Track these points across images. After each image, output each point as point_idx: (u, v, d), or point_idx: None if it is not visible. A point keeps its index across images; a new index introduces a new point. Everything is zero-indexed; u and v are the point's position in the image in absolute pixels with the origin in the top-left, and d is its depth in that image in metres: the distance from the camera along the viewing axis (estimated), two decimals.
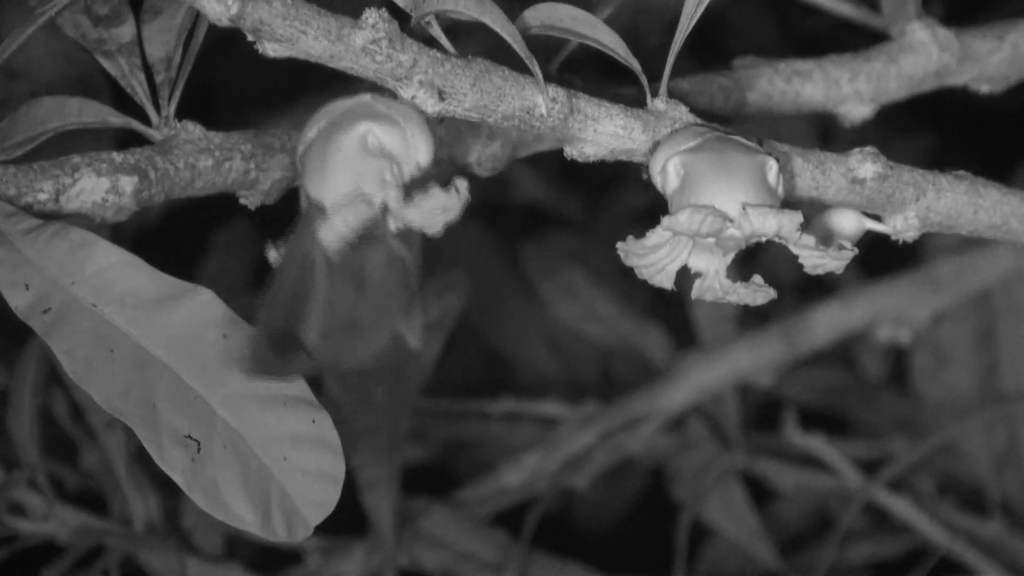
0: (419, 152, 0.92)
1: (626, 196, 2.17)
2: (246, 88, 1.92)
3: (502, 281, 2.10)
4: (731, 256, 0.95)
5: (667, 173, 0.95)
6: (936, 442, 1.90)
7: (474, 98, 0.94)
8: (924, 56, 1.26)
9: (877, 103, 1.27)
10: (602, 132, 0.98)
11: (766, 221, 0.92)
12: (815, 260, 0.95)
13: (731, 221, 0.92)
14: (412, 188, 0.91)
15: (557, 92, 0.96)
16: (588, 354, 2.10)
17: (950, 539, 1.86)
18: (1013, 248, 1.88)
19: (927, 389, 1.96)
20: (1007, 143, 1.89)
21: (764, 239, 0.93)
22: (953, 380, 1.95)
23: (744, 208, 0.92)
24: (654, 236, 0.93)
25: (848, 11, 1.37)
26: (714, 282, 0.95)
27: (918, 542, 1.89)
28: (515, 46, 0.94)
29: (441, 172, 1.60)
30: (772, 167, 0.94)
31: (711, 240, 0.94)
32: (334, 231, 0.90)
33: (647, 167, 0.97)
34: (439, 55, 0.94)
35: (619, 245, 0.94)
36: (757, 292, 0.95)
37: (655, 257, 0.95)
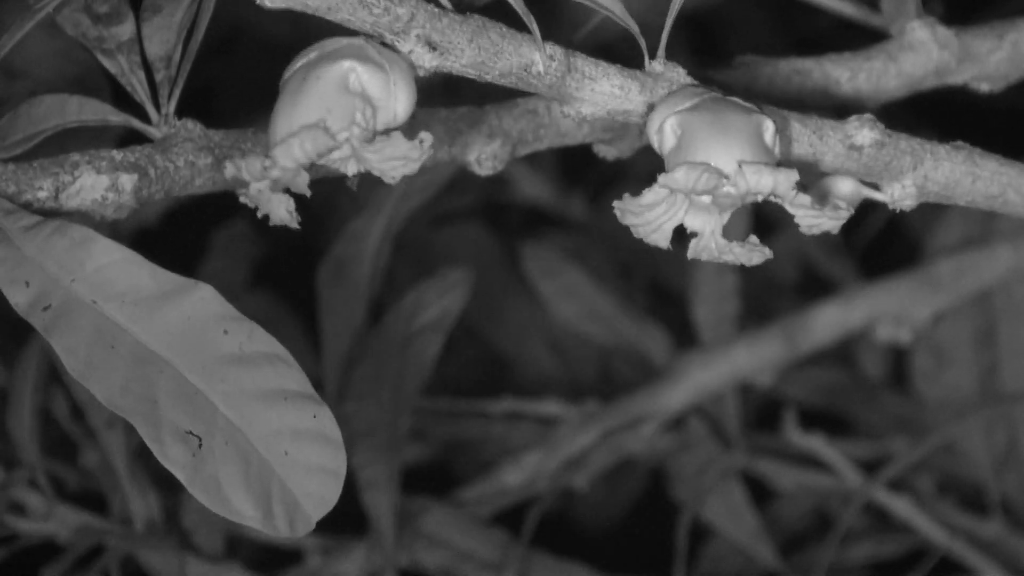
0: (398, 102, 0.93)
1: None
2: (246, 87, 1.92)
3: (502, 281, 2.11)
4: (727, 215, 0.95)
5: (664, 133, 0.95)
6: (936, 442, 1.90)
7: (471, 54, 0.94)
8: (924, 55, 1.26)
9: (877, 101, 1.27)
10: (599, 92, 0.97)
11: (762, 179, 0.92)
12: (811, 220, 0.95)
13: (727, 178, 0.92)
14: (379, 135, 0.92)
15: (554, 50, 0.96)
16: (588, 354, 2.10)
17: (950, 539, 1.86)
18: (1013, 248, 1.88)
19: (927, 389, 1.96)
20: (1007, 142, 1.89)
21: (760, 197, 0.93)
22: (953, 380, 1.95)
23: (740, 166, 0.92)
24: (650, 194, 0.93)
25: (848, 10, 1.37)
26: (710, 241, 0.95)
27: (918, 542, 1.90)
28: (513, 2, 0.94)
29: (442, 171, 1.60)
30: (769, 127, 0.94)
31: (707, 199, 0.94)
32: (289, 154, 0.91)
33: (644, 128, 0.97)
34: (437, 10, 0.94)
35: (615, 203, 0.94)
36: (753, 251, 0.95)
37: (651, 215, 0.95)
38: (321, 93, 0.93)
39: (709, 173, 0.91)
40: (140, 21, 1.06)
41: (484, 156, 1.15)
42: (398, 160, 0.92)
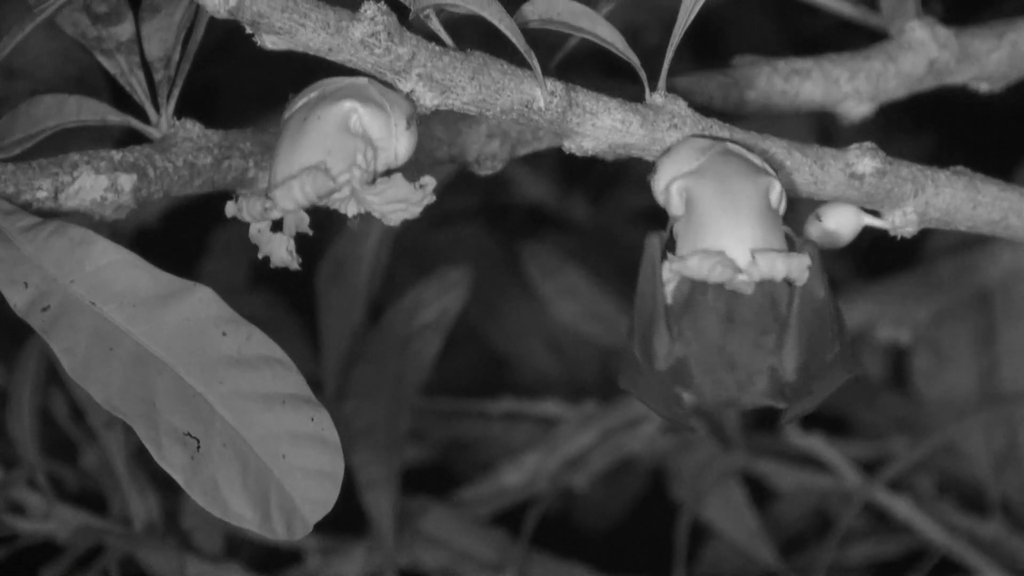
0: (399, 144, 0.93)
1: (626, 196, 2.17)
2: (246, 88, 1.92)
3: (502, 281, 2.10)
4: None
5: (670, 195, 0.96)
6: (936, 442, 1.90)
7: (473, 91, 0.95)
8: (923, 55, 1.26)
9: (876, 102, 1.27)
10: (600, 126, 0.98)
11: (775, 266, 0.94)
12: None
13: (741, 271, 0.93)
14: (381, 176, 0.92)
15: (555, 86, 0.96)
16: (588, 354, 2.10)
17: (950, 539, 1.86)
18: (1013, 248, 1.88)
19: (927, 389, 1.96)
20: (1007, 142, 1.89)
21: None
22: (953, 380, 1.95)
23: (753, 256, 0.93)
24: (664, 272, 0.95)
25: (848, 10, 1.37)
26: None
27: (918, 542, 1.89)
28: (513, 39, 0.94)
29: (442, 171, 1.60)
30: (775, 188, 0.95)
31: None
32: (289, 196, 0.91)
33: (650, 186, 0.98)
34: (438, 48, 0.94)
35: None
36: None
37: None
38: (322, 134, 0.92)
39: (723, 265, 0.93)
40: (139, 21, 1.05)
41: (483, 156, 1.15)
42: (399, 203, 0.92)
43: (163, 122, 1.05)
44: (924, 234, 1.99)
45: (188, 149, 1.03)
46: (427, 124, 1.13)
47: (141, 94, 1.05)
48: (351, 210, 0.93)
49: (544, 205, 2.22)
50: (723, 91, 1.22)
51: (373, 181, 0.92)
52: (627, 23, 0.99)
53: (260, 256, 0.94)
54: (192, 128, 1.04)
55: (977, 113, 1.82)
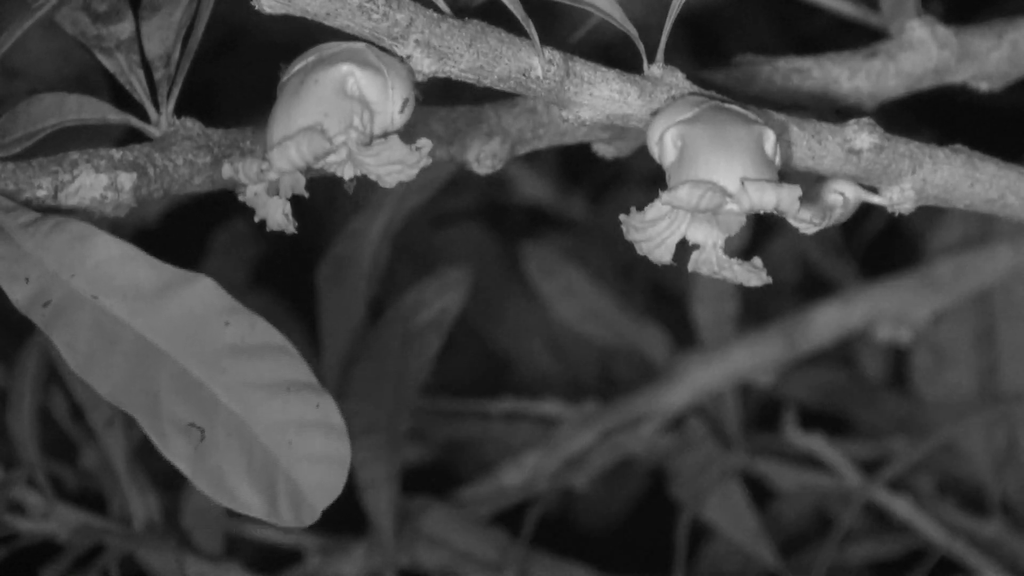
0: (396, 107, 0.93)
1: (626, 196, 2.17)
2: (246, 87, 1.92)
3: (502, 281, 2.11)
4: (730, 229, 0.95)
5: (664, 144, 0.95)
6: (936, 442, 1.90)
7: (470, 59, 0.95)
8: (923, 54, 1.26)
9: (876, 100, 1.27)
10: (598, 96, 0.98)
11: (765, 195, 0.92)
12: (811, 228, 0.96)
13: (730, 196, 0.92)
14: (376, 139, 0.92)
15: (553, 55, 0.96)
16: (588, 354, 2.10)
17: (950, 539, 1.86)
18: (1013, 248, 1.88)
19: (927, 389, 1.96)
20: (1007, 141, 1.89)
21: (764, 212, 0.93)
22: (953, 380, 1.95)
23: (743, 183, 0.92)
24: (653, 210, 0.94)
25: (848, 9, 1.37)
26: (711, 255, 0.96)
27: (918, 542, 1.90)
28: (511, 7, 0.94)
29: (442, 170, 1.60)
30: (770, 137, 0.95)
31: (711, 213, 0.94)
32: (286, 157, 0.91)
33: (645, 137, 0.97)
34: (436, 15, 0.94)
35: (621, 217, 0.94)
36: (751, 272, 0.96)
37: (654, 231, 0.95)
38: (319, 97, 0.92)
39: (712, 191, 0.92)
40: (139, 20, 1.06)
41: (483, 155, 1.15)
42: (395, 165, 0.92)
43: (163, 121, 1.05)
44: (924, 234, 1.99)
45: (188, 148, 1.03)
46: (427, 122, 1.13)
47: (141, 93, 1.05)
48: (347, 173, 0.93)
49: (544, 205, 2.23)
50: (723, 91, 1.22)
51: (369, 143, 0.92)
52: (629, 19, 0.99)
53: (256, 220, 0.94)
54: (192, 127, 1.04)
55: (977, 112, 1.82)
